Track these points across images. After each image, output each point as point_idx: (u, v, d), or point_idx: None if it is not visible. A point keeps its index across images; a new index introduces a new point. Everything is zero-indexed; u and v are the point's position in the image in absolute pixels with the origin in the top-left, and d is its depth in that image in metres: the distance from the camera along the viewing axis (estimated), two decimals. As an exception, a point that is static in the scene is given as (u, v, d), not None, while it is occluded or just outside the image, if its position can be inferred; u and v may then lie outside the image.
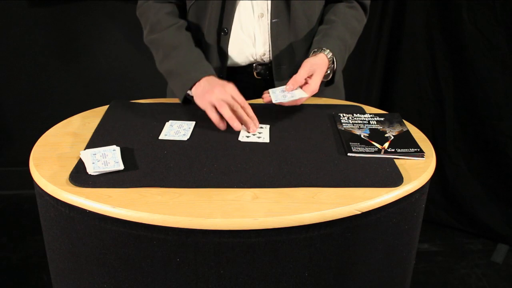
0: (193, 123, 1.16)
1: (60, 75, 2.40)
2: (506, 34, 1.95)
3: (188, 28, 1.31)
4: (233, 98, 1.13)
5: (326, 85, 1.31)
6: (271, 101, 1.18)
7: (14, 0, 2.22)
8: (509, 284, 1.99)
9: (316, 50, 1.25)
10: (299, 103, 1.21)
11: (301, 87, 1.20)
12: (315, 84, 1.20)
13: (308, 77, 1.20)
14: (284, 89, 1.20)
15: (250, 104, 1.16)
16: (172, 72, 1.25)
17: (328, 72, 1.26)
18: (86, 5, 2.26)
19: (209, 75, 1.19)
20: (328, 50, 1.24)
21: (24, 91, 2.41)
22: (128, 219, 0.83)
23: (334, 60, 1.25)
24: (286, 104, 1.19)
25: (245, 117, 1.12)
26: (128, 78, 2.43)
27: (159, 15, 1.28)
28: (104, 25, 2.32)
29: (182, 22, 1.30)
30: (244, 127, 1.12)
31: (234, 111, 1.11)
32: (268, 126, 1.14)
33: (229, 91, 1.13)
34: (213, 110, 1.12)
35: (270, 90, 1.21)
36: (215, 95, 1.12)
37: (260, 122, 1.15)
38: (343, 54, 1.28)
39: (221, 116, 1.12)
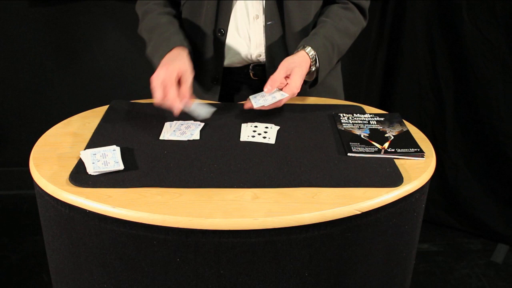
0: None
1: (60, 75, 2.40)
2: (506, 34, 1.95)
3: (176, 17, 1.32)
4: (164, 81, 1.10)
5: (311, 86, 1.29)
6: (251, 107, 1.16)
7: (14, 0, 2.22)
8: (509, 284, 1.99)
9: (298, 48, 1.23)
10: (280, 104, 1.18)
11: (281, 88, 1.18)
12: (295, 84, 1.16)
13: (286, 76, 1.17)
14: (264, 94, 1.17)
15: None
16: (151, 54, 1.26)
17: (313, 69, 1.23)
18: (86, 5, 2.26)
19: (170, 50, 1.18)
20: (309, 48, 1.21)
21: (24, 91, 2.41)
22: (128, 219, 0.83)
23: (317, 58, 1.22)
24: (268, 108, 1.16)
25: (168, 102, 1.09)
26: (128, 78, 2.43)
27: (148, 5, 1.32)
28: (104, 25, 2.32)
29: (168, 10, 1.32)
30: None
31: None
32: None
33: (161, 75, 1.11)
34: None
35: (251, 97, 1.19)
36: (152, 80, 1.12)
37: (264, 122, 1.15)
38: (328, 53, 1.25)
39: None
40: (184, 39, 1.24)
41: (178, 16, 1.33)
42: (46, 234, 0.99)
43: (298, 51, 1.22)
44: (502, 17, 1.93)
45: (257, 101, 1.16)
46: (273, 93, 1.17)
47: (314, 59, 1.21)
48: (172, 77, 1.10)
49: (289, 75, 1.17)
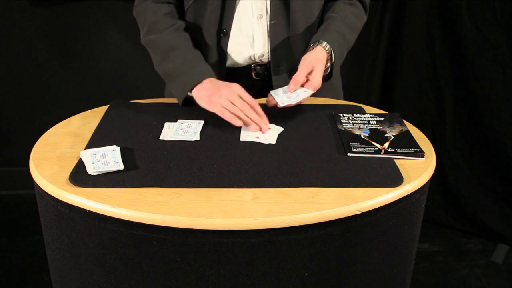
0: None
1: (60, 75, 2.40)
2: (506, 34, 1.95)
3: (186, 29, 1.30)
4: (241, 98, 1.13)
5: (325, 80, 1.30)
6: (276, 104, 1.17)
7: (14, 0, 2.22)
8: (509, 284, 1.99)
9: (313, 43, 1.25)
10: (303, 101, 1.21)
11: (302, 85, 1.21)
12: (317, 80, 1.20)
13: (308, 73, 1.20)
14: (286, 90, 1.19)
15: None
16: (171, 74, 1.24)
17: (328, 64, 1.25)
18: (86, 5, 2.26)
19: (209, 76, 1.19)
20: (325, 42, 1.23)
21: (24, 91, 2.41)
22: (128, 219, 0.83)
23: (332, 52, 1.24)
24: (293, 105, 1.19)
25: (254, 117, 1.12)
26: (128, 78, 2.43)
27: (157, 16, 1.27)
28: (104, 25, 2.32)
29: (181, 23, 1.28)
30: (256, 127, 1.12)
31: (244, 111, 1.12)
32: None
33: (236, 91, 1.13)
34: (226, 112, 1.12)
35: (272, 92, 1.20)
36: (223, 97, 1.12)
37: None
38: (341, 48, 1.28)
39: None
40: (208, 66, 1.23)
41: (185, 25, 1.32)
42: (46, 234, 0.99)
43: (315, 47, 1.23)
44: (502, 17, 1.93)
45: (282, 100, 1.17)
46: (296, 90, 1.19)
47: (330, 53, 1.24)
48: (249, 96, 1.14)
49: (311, 72, 1.20)
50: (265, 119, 1.13)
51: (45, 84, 2.40)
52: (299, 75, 1.19)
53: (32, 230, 2.23)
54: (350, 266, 0.93)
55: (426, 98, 2.19)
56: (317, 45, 1.23)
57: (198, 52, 1.26)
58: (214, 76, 1.20)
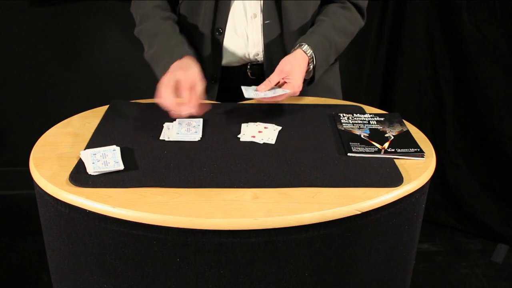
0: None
1: (60, 75, 2.40)
2: (506, 34, 1.95)
3: (178, 22, 1.31)
4: (180, 82, 1.11)
5: (308, 84, 1.29)
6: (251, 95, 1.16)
7: (14, 0, 2.22)
8: (509, 284, 1.99)
9: (295, 46, 1.23)
10: (280, 99, 1.19)
11: (281, 85, 1.19)
12: (296, 81, 1.17)
13: (287, 76, 1.18)
14: (255, 89, 1.18)
15: (247, 104, 1.15)
16: (153, 59, 1.26)
17: (310, 67, 1.24)
18: (86, 5, 2.26)
19: (180, 58, 1.18)
20: (306, 46, 1.21)
21: (24, 91, 2.41)
22: (128, 219, 0.83)
23: (314, 56, 1.22)
24: (267, 101, 1.17)
25: (173, 112, 1.10)
26: (128, 78, 2.43)
27: (147, 8, 1.30)
28: (104, 25, 2.32)
29: (169, 14, 1.31)
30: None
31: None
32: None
33: (178, 76, 1.11)
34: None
35: (243, 87, 1.19)
36: (165, 80, 1.12)
37: (264, 122, 1.15)
38: (326, 51, 1.26)
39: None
40: (190, 48, 1.24)
41: (177, 19, 1.33)
42: (46, 234, 0.99)
43: (295, 50, 1.22)
44: (502, 17, 1.93)
45: (249, 94, 1.16)
46: (274, 88, 1.18)
47: (311, 57, 1.22)
48: (191, 80, 1.10)
49: (288, 76, 1.18)
50: (186, 105, 1.09)
51: (45, 84, 2.40)
52: (273, 78, 1.18)
53: (32, 230, 2.23)
54: (350, 266, 0.93)
55: (426, 98, 2.19)
56: (297, 48, 1.22)
57: (180, 37, 1.26)
58: (190, 55, 1.19)
